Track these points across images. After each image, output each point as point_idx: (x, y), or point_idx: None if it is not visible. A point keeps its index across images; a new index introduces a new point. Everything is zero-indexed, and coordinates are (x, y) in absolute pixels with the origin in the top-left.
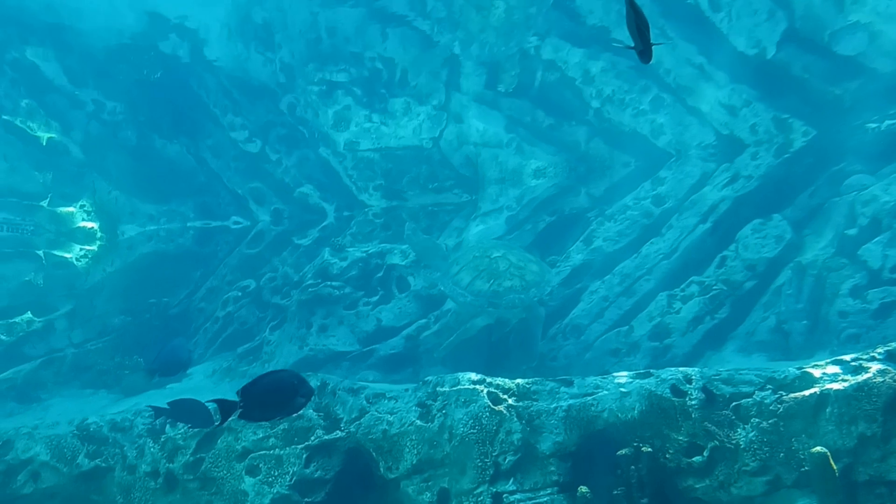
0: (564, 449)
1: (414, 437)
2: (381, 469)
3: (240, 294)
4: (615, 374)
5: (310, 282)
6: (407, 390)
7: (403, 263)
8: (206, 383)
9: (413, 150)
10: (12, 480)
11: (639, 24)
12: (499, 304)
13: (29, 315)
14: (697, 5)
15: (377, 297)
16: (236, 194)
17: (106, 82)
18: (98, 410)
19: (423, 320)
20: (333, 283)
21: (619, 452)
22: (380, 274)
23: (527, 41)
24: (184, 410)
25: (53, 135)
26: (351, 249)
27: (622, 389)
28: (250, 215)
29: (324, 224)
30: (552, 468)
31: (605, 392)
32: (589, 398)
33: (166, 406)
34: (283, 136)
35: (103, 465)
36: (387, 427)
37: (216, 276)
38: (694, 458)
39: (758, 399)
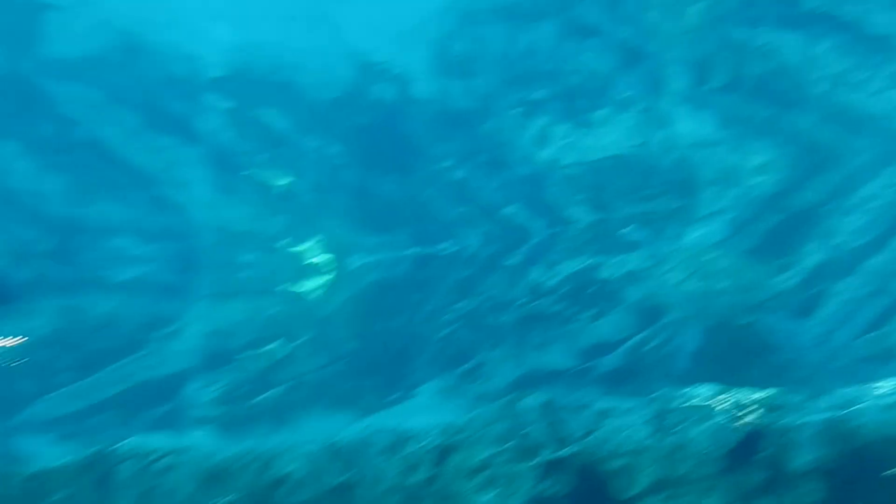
0: (820, 467)
1: (648, 455)
2: (615, 488)
3: (456, 316)
4: (874, 384)
5: (523, 300)
6: (636, 406)
7: (617, 276)
8: (432, 402)
9: (618, 160)
10: (275, 493)
11: None
12: (713, 304)
13: (276, 345)
14: None
15: (593, 312)
16: (446, 221)
17: (327, 130)
18: (341, 429)
19: (644, 333)
20: (546, 301)
21: (885, 473)
22: (593, 288)
23: (735, 32)
24: None
25: (287, 181)
26: (561, 265)
27: (885, 401)
28: (461, 240)
29: (532, 242)
30: (807, 488)
31: (864, 404)
32: (844, 411)
33: None
34: (486, 161)
35: (351, 479)
36: (618, 445)
37: (433, 299)
38: None
39: None
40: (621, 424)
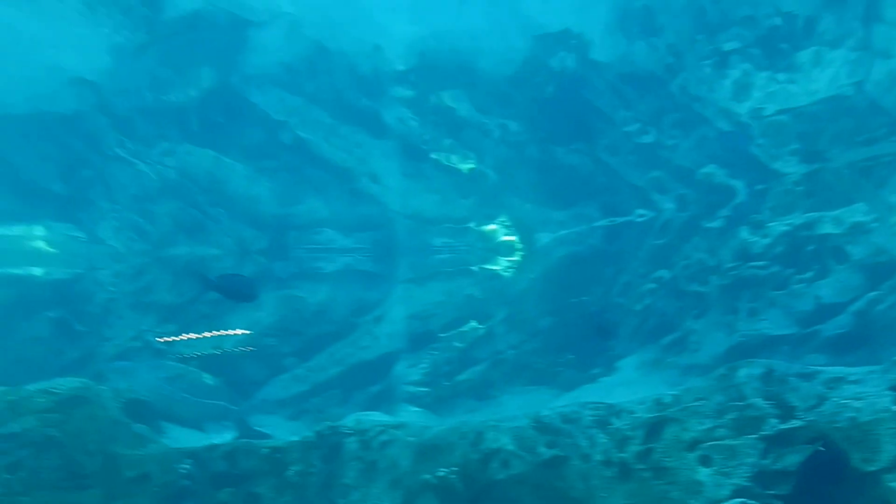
0: None
1: (893, 425)
2: (856, 461)
3: (655, 286)
4: None
5: (729, 265)
6: (871, 373)
7: (838, 232)
8: (636, 376)
9: (831, 103)
10: (487, 467)
11: None
12: None
13: (473, 323)
14: None
15: (811, 273)
16: (637, 187)
17: (507, 108)
18: (544, 404)
19: (873, 293)
20: (757, 263)
21: None
22: (811, 247)
23: None
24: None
25: (471, 164)
26: (772, 224)
27: None
28: (654, 206)
29: (735, 202)
30: None
31: None
32: None
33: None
34: (677, 120)
35: (560, 454)
36: (855, 414)
37: (628, 270)
38: None
39: None
40: (857, 393)
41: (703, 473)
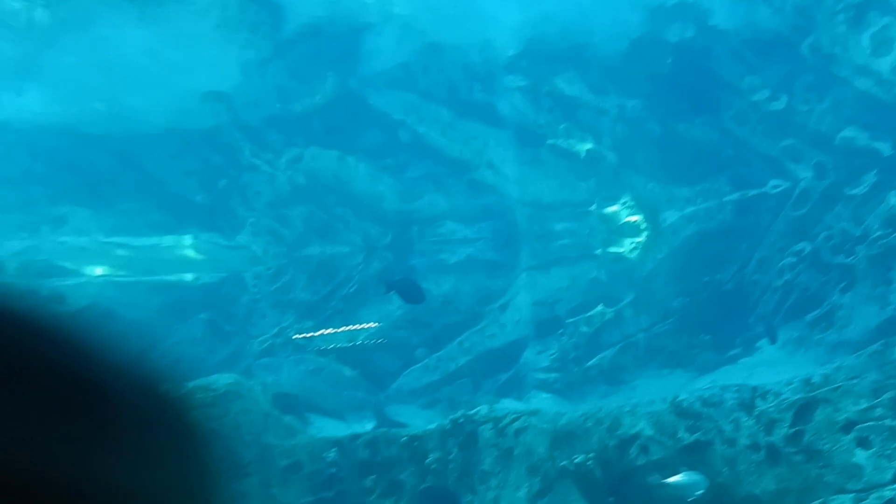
0: None
1: None
2: None
3: (795, 259)
4: None
5: (878, 233)
6: None
7: None
8: (779, 356)
9: None
10: (626, 453)
11: None
12: None
13: (601, 307)
14: None
15: None
16: (769, 157)
17: (623, 85)
18: (682, 388)
19: None
20: None
21: None
22: None
23: None
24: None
25: (589, 146)
26: None
27: None
28: (789, 175)
29: (880, 166)
30: None
31: None
32: None
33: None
34: (810, 83)
35: (703, 438)
36: None
37: (764, 245)
38: None
39: None
40: None
41: (861, 456)
